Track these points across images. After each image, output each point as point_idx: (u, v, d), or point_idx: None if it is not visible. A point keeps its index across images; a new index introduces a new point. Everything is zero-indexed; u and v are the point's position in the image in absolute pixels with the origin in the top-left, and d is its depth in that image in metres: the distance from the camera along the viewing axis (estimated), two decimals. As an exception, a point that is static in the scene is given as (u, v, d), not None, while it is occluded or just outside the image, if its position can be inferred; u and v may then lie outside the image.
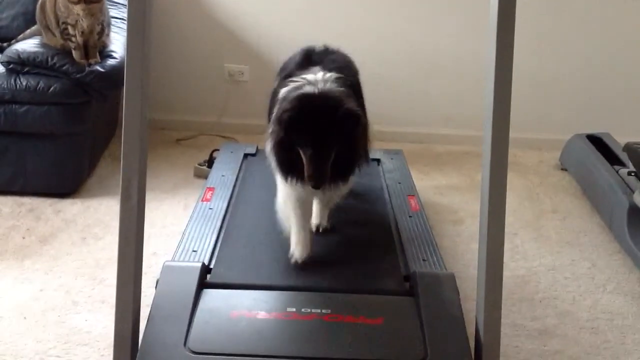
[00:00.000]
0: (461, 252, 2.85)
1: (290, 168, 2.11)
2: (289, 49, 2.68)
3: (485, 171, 1.85)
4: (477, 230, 1.95)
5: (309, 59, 2.40)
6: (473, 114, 3.98)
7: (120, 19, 3.37)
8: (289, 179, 2.13)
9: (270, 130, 2.15)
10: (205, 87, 4.05)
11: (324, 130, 2.01)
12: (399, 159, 3.19)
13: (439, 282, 2.10)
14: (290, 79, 2.22)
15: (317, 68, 2.25)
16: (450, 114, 4.06)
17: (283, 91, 2.18)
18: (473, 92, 3.99)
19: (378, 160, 3.14)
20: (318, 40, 2.54)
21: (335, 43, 2.63)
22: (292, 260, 2.20)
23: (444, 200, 3.36)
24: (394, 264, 2.26)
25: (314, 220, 2.40)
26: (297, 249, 2.21)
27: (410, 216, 2.63)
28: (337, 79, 2.16)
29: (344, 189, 2.30)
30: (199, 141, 3.90)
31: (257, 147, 3.22)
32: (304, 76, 2.20)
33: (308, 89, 2.11)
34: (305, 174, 2.03)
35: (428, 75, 4.02)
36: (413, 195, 2.81)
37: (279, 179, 2.23)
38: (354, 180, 2.34)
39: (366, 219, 2.59)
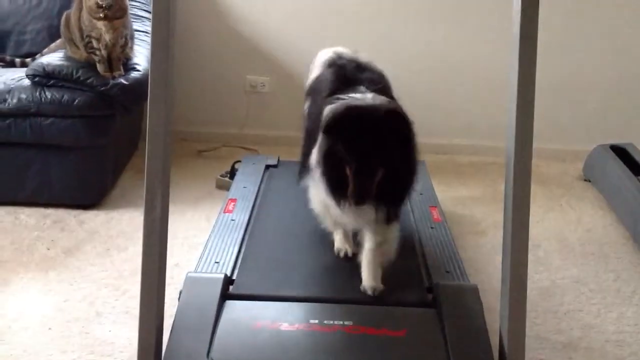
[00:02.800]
0: (484, 263, 2.82)
1: (336, 184, 1.98)
2: (310, 60, 2.69)
3: (509, 182, 1.83)
4: (499, 242, 1.93)
5: (345, 77, 2.26)
6: (496, 124, 3.97)
7: (143, 32, 3.41)
8: (336, 197, 2.00)
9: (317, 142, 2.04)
10: (226, 99, 4.08)
11: (372, 144, 1.90)
12: (421, 170, 3.16)
13: (462, 294, 2.09)
14: (337, 97, 2.06)
15: (362, 88, 2.12)
16: (473, 124, 4.05)
17: (329, 107, 2.04)
18: (496, 102, 3.97)
19: (400, 171, 3.12)
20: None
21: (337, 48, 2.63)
22: (341, 255, 2.29)
23: (466, 211, 3.34)
24: (417, 276, 2.25)
25: (365, 282, 2.10)
26: (341, 245, 2.30)
27: (432, 227, 2.62)
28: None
29: (394, 232, 2.16)
30: (220, 152, 3.92)
31: (278, 159, 3.23)
32: (350, 95, 2.06)
33: (360, 101, 1.99)
34: (349, 189, 1.91)
35: (451, 85, 4.02)
36: (435, 206, 2.80)
37: (324, 197, 2.10)
38: (399, 227, 2.21)
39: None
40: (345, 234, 2.33)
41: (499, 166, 3.79)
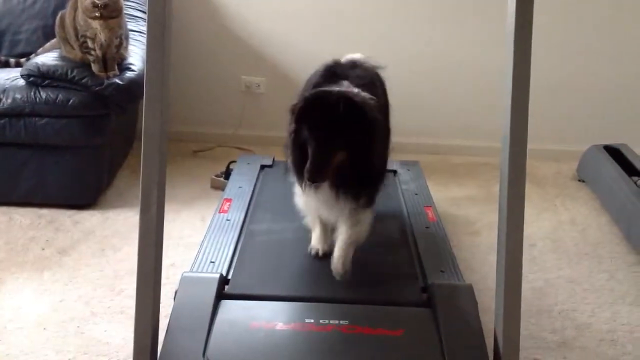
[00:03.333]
0: (479, 263, 2.83)
1: (299, 165, 2.08)
2: (305, 61, 2.70)
3: (504, 182, 1.84)
4: (494, 242, 1.94)
5: (335, 72, 2.36)
6: (490, 125, 3.97)
7: (138, 32, 3.40)
8: (298, 175, 2.12)
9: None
10: (222, 99, 4.08)
11: (331, 126, 1.99)
12: (416, 170, 3.20)
13: (457, 293, 2.10)
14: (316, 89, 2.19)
15: (345, 83, 2.22)
16: (467, 124, 4.06)
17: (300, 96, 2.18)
18: (490, 103, 3.96)
19: (394, 172, 3.14)
20: (336, 53, 2.55)
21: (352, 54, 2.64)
22: (312, 253, 2.31)
23: (461, 211, 3.35)
24: (412, 275, 2.26)
25: (336, 265, 2.18)
26: (315, 244, 2.32)
27: (427, 227, 2.63)
28: (367, 96, 2.12)
29: (366, 218, 2.24)
30: (215, 153, 3.92)
31: (273, 159, 3.23)
32: (330, 87, 2.17)
33: (329, 87, 2.10)
34: (306, 167, 2.00)
35: (445, 86, 4.03)
36: (430, 206, 2.81)
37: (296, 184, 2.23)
38: (374, 211, 2.28)
39: (383, 230, 2.58)
40: (324, 232, 2.35)
41: (494, 167, 3.79)
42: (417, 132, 4.03)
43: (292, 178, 2.23)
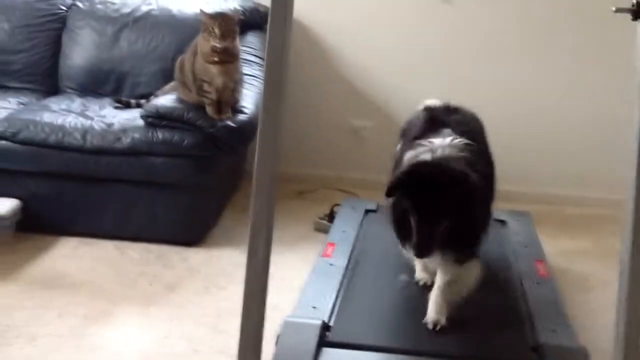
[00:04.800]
0: (591, 322, 2.67)
1: (402, 232, 2.11)
2: (413, 106, 2.68)
3: (627, 237, 1.72)
4: (608, 300, 1.83)
5: (434, 120, 2.38)
6: (606, 174, 3.81)
7: (252, 76, 3.49)
8: (402, 243, 2.14)
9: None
10: (328, 141, 4.10)
11: (432, 200, 2.00)
12: (526, 221, 3.08)
13: (571, 356, 1.99)
14: (418, 142, 2.22)
15: (447, 131, 2.24)
16: (582, 173, 3.89)
17: (408, 155, 2.20)
18: (607, 150, 3.82)
19: (504, 222, 3.04)
20: (442, 96, 2.53)
21: (460, 98, 2.61)
22: (421, 284, 2.38)
23: (573, 266, 3.19)
24: (521, 334, 2.16)
25: (429, 314, 2.20)
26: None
27: (538, 282, 2.52)
28: (465, 145, 2.15)
29: (469, 271, 2.22)
30: (319, 195, 3.93)
31: (378, 204, 3.20)
32: (431, 140, 2.20)
33: (425, 156, 2.12)
34: (412, 241, 2.03)
35: (558, 132, 3.88)
36: (541, 260, 2.69)
37: None
38: (479, 266, 2.25)
39: (491, 284, 2.49)
40: (425, 265, 2.37)
41: (609, 219, 3.62)
42: (528, 181, 3.90)
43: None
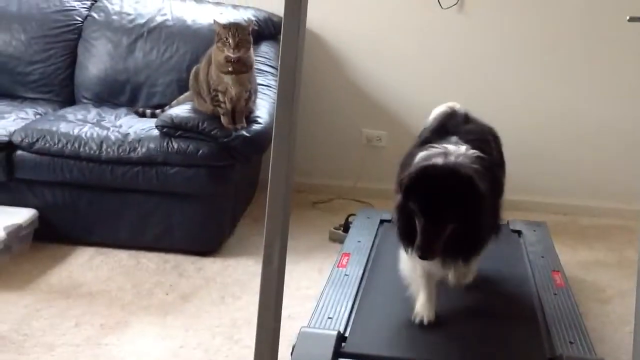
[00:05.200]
0: (609, 334, 2.65)
1: (407, 235, 2.10)
2: (427, 115, 2.68)
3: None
4: (626, 311, 1.82)
5: (446, 127, 2.39)
6: (623, 184, 3.78)
7: (266, 86, 3.51)
8: (406, 245, 2.14)
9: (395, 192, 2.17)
10: (342, 152, 4.11)
11: (440, 203, 1.99)
12: (543, 231, 3.06)
13: (590, 369, 1.96)
14: (430, 145, 2.23)
15: (454, 139, 2.25)
16: (597, 184, 3.87)
17: (420, 156, 2.20)
18: (623, 161, 3.80)
19: (519, 232, 3.02)
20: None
21: (475, 107, 2.60)
22: (417, 321, 2.23)
23: (590, 276, 3.16)
24: (538, 345, 2.14)
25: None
26: (421, 310, 2.24)
27: (555, 293, 2.50)
28: (475, 155, 2.15)
29: (468, 269, 2.27)
30: (334, 205, 3.93)
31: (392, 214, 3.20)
32: (445, 145, 2.19)
33: (437, 160, 2.11)
34: (416, 243, 2.03)
35: (574, 143, 3.86)
36: (558, 271, 2.67)
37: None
38: (477, 263, 2.29)
39: (507, 294, 2.48)
40: (429, 298, 2.27)
41: (627, 230, 3.59)
42: (544, 191, 3.89)
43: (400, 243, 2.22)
